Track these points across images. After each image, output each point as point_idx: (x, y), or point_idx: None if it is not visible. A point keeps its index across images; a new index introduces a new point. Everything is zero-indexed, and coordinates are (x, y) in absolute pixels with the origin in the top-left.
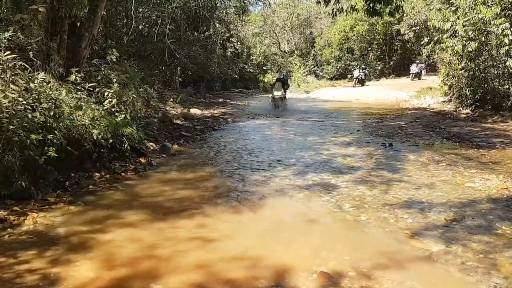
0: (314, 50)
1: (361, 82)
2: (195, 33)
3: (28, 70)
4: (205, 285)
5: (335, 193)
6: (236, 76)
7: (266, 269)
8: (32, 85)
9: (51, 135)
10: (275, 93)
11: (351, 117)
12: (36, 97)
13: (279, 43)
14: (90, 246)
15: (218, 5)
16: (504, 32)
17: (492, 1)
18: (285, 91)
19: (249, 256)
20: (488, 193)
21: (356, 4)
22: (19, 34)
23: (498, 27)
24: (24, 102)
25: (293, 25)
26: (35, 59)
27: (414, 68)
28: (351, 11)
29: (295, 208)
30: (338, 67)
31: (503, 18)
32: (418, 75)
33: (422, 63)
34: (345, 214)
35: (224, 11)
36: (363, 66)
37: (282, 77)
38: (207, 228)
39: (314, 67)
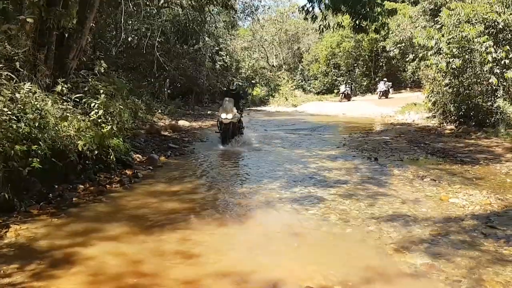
0: (301, 65)
1: (347, 97)
2: (185, 46)
3: (14, 80)
4: None
5: (321, 206)
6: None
7: (252, 283)
8: (17, 95)
9: (36, 146)
10: (223, 116)
11: (337, 131)
12: (22, 107)
13: (267, 57)
14: (73, 260)
15: (207, 19)
16: (488, 50)
17: (476, 20)
18: (240, 111)
19: (236, 271)
20: (472, 208)
21: (343, 21)
22: (6, 44)
23: (482, 44)
24: (9, 112)
25: (281, 40)
26: (21, 70)
27: (382, 86)
28: (338, 27)
29: (282, 221)
30: (325, 82)
31: (486, 36)
32: (385, 93)
33: (389, 82)
34: (331, 228)
35: (214, 25)
36: (349, 82)
37: (235, 89)
38: (193, 242)
39: (302, 81)
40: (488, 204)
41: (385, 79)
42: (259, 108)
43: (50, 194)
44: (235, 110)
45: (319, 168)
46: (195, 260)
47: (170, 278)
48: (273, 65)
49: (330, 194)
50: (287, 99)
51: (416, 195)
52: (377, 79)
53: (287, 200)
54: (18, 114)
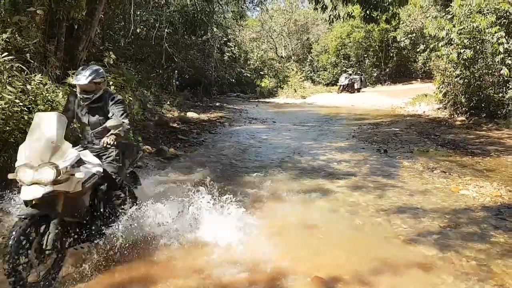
0: (311, 56)
1: (348, 89)
2: (193, 37)
3: (25, 72)
4: None
5: (330, 198)
6: (233, 80)
7: (261, 273)
8: (28, 86)
9: None
10: (26, 177)
11: (346, 123)
12: (33, 98)
13: (276, 48)
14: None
15: (216, 9)
16: (499, 41)
17: (488, 10)
18: (114, 159)
19: (245, 260)
20: (482, 200)
21: (353, 11)
22: (16, 36)
23: (493, 35)
24: (21, 103)
25: (290, 30)
26: (32, 61)
27: (342, 80)
28: (348, 18)
29: (290, 212)
30: (334, 73)
31: (498, 27)
32: (348, 88)
33: (359, 75)
34: (340, 219)
35: (222, 15)
36: (359, 72)
37: (92, 93)
38: (202, 232)
39: (311, 72)
40: (498, 196)
41: (349, 71)
42: (267, 100)
43: None
44: (70, 160)
45: (328, 160)
46: (206, 249)
47: (180, 266)
48: (281, 56)
49: (339, 186)
50: (296, 91)
51: (425, 187)
52: (387, 69)
53: (296, 192)
54: (30, 106)
